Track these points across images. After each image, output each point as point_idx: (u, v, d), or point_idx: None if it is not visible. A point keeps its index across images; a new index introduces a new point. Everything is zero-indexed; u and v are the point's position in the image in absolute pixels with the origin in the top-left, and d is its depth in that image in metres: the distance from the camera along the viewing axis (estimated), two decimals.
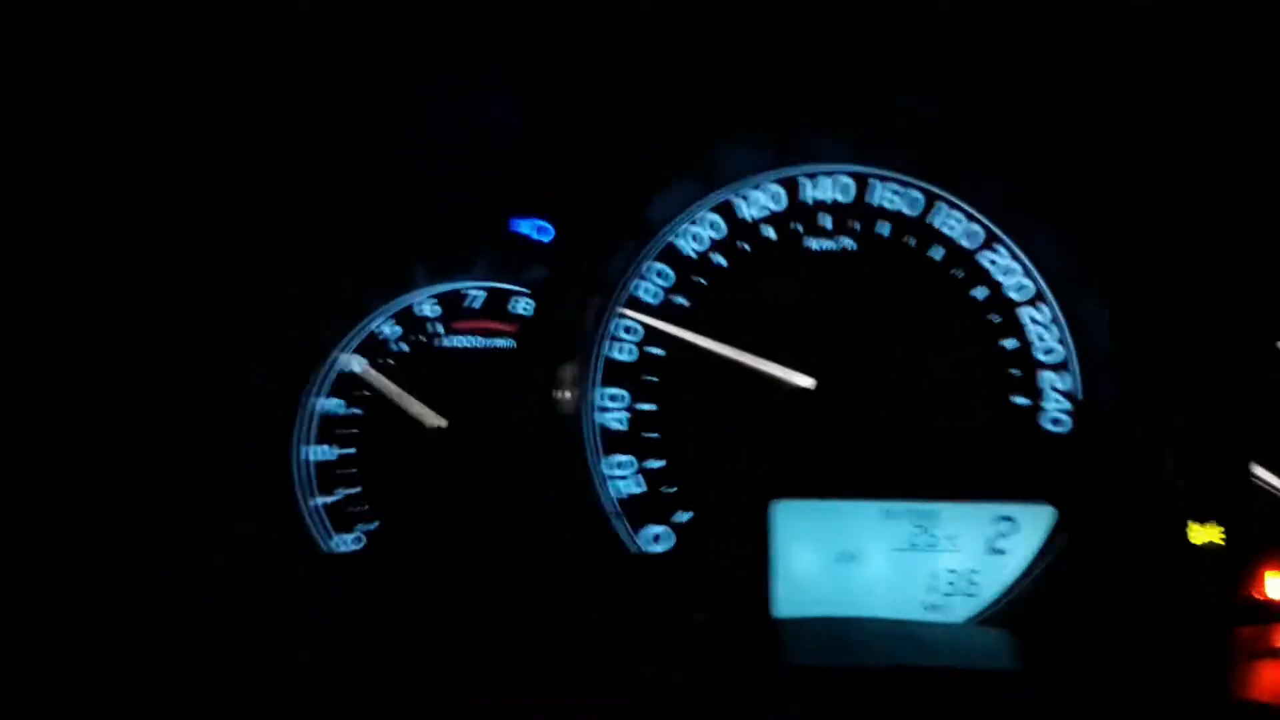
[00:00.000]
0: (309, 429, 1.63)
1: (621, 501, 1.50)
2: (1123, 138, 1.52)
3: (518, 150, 1.62)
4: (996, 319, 1.53)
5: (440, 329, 1.67)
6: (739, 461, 1.50)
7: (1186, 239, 1.52)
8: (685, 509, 1.49)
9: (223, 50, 1.53)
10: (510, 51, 1.58)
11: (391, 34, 1.55)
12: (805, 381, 1.50)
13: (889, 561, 1.43)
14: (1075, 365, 1.51)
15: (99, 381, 1.53)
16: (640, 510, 1.50)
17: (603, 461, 1.51)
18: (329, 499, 1.61)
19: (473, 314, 1.67)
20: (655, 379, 1.54)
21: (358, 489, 1.61)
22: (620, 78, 1.58)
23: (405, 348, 1.66)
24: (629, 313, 1.55)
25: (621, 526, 1.49)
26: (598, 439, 1.52)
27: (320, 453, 1.63)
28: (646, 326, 1.56)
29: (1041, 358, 1.51)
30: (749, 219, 1.59)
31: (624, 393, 1.54)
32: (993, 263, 1.55)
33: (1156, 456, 1.41)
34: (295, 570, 1.56)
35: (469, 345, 1.65)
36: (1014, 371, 1.51)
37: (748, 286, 1.57)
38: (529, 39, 1.56)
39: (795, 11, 1.51)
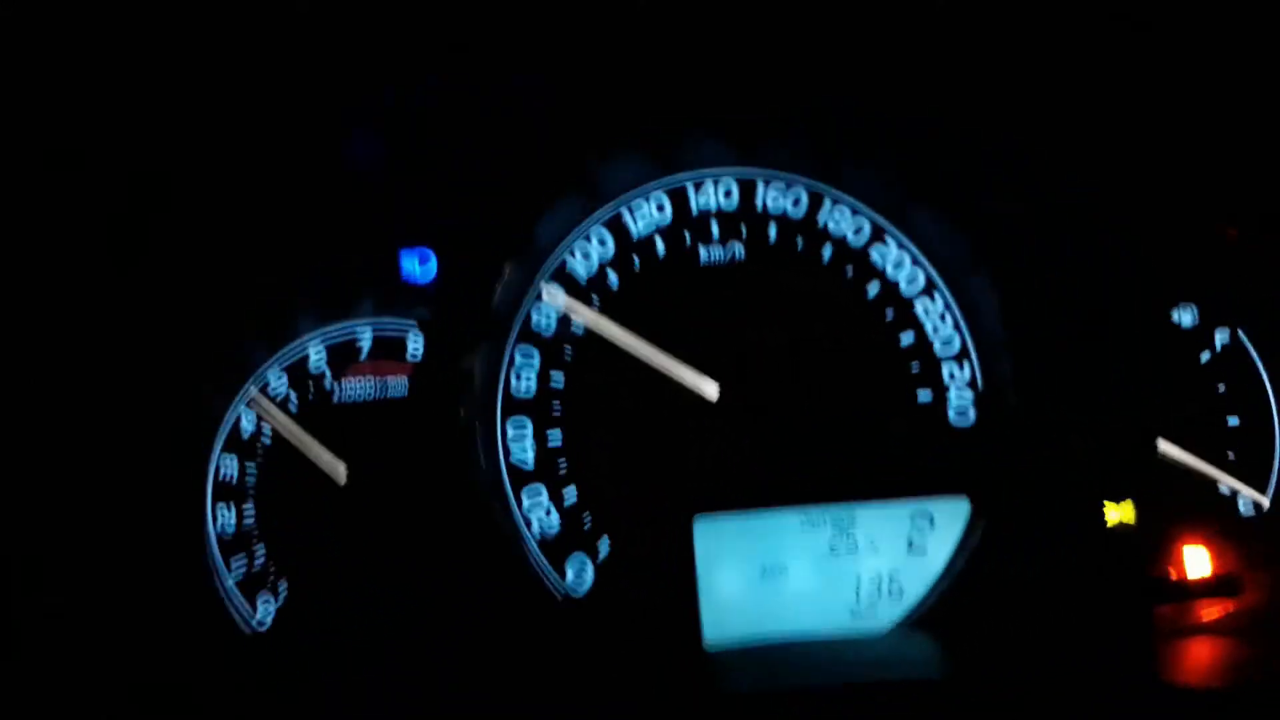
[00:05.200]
0: (210, 495, 1.55)
1: (539, 537, 1.46)
2: (1003, 121, 1.53)
3: (397, 183, 1.56)
4: (891, 314, 1.53)
5: (331, 381, 1.59)
6: (653, 481, 1.47)
7: (1072, 217, 1.54)
8: (604, 538, 1.45)
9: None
10: (386, 78, 1.51)
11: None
12: (709, 389, 1.47)
13: (813, 570, 1.42)
14: (973, 354, 1.52)
15: None
16: (560, 543, 1.46)
17: (516, 498, 1.47)
18: (238, 572, 1.53)
19: (362, 360, 1.60)
20: (558, 406, 1.50)
21: (264, 559, 1.53)
22: (496, 98, 1.52)
23: (296, 402, 1.58)
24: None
25: (543, 564, 1.44)
26: (506, 476, 1.47)
27: (222, 519, 1.54)
28: (544, 351, 1.51)
29: (940, 350, 1.52)
30: (638, 234, 1.56)
31: (528, 423, 1.49)
32: (883, 257, 1.55)
33: (1062, 440, 1.42)
34: (221, 652, 1.48)
35: (362, 393, 1.58)
36: (915, 365, 1.51)
37: (643, 303, 1.53)
38: (403, 63, 1.50)
39: (665, 18, 1.48)
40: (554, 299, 1.52)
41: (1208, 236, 1.62)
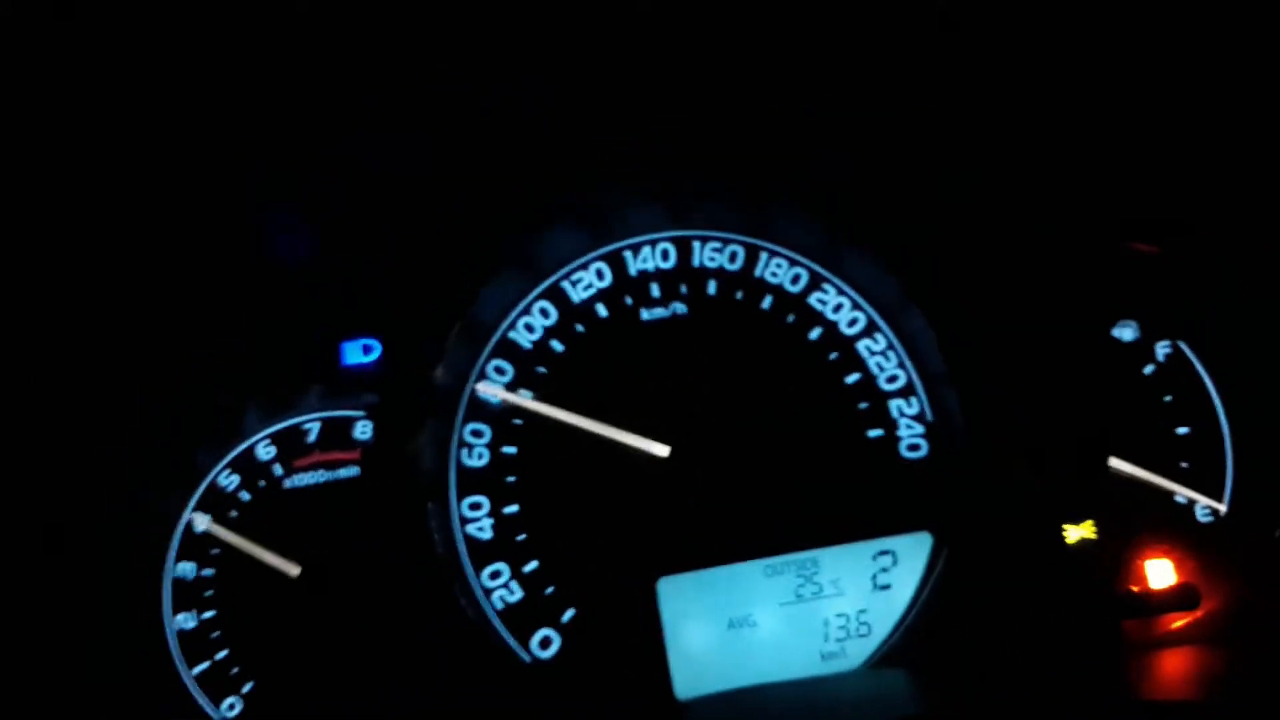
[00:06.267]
0: (167, 598, 1.53)
1: (503, 611, 1.44)
2: (928, 154, 1.56)
3: (334, 273, 1.57)
4: (835, 356, 1.55)
5: (281, 470, 1.59)
6: (613, 547, 1.46)
7: (1004, 244, 1.56)
8: (568, 607, 1.44)
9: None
10: (312, 164, 1.53)
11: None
12: (660, 450, 1.48)
13: (779, 618, 1.42)
14: (919, 388, 1.53)
15: None
16: (524, 616, 1.44)
17: (476, 575, 1.46)
18: (202, 668, 1.50)
19: (311, 448, 1.60)
20: (513, 479, 1.50)
21: (226, 653, 1.51)
22: (429, 179, 1.54)
23: (248, 496, 1.57)
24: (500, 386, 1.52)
25: (508, 637, 1.43)
26: (465, 553, 1.46)
27: (182, 621, 1.52)
28: (495, 425, 1.51)
29: (886, 386, 1.53)
30: (579, 300, 1.57)
31: (484, 499, 1.49)
32: (822, 302, 1.57)
33: (1013, 464, 1.43)
34: None
35: (313, 481, 1.58)
36: (862, 404, 1.52)
37: (588, 367, 1.54)
38: (329, 148, 1.51)
39: (590, 90, 1.51)
40: (491, 391, 1.53)
41: (1138, 253, 1.64)
